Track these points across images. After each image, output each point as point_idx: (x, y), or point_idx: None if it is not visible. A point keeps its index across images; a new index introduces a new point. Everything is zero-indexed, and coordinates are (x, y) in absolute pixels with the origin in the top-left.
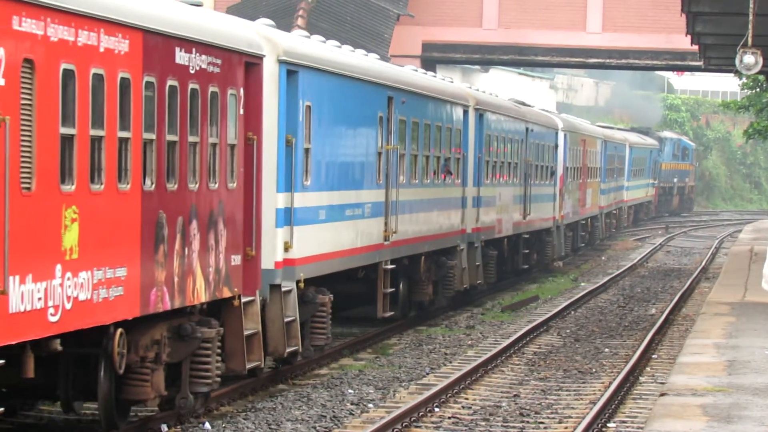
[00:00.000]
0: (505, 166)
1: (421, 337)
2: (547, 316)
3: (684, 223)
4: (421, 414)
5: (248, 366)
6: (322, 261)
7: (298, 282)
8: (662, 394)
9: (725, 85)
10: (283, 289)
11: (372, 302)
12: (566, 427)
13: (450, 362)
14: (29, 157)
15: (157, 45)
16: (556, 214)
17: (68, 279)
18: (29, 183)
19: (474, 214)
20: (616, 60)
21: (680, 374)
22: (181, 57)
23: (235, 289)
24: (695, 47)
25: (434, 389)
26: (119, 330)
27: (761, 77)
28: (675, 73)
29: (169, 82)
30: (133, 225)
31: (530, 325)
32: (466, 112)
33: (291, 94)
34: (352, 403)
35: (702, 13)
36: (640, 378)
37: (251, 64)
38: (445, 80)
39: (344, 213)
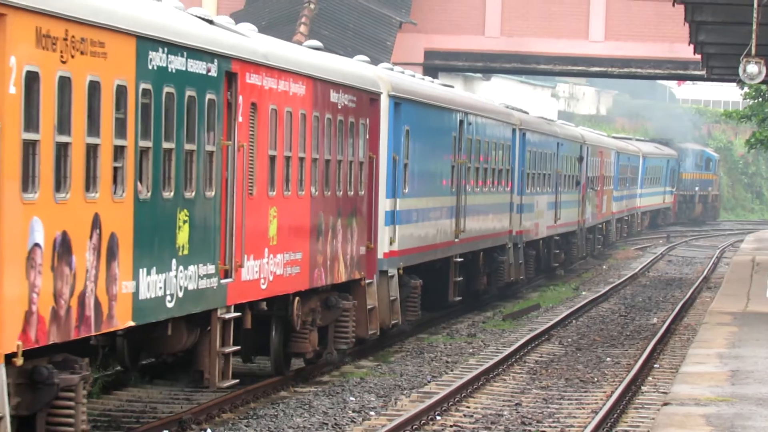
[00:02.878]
0: (541, 177)
1: (423, 345)
2: (549, 324)
3: (685, 232)
4: (422, 422)
5: (369, 332)
6: (413, 253)
7: (398, 269)
8: (665, 404)
9: (727, 94)
10: (389, 275)
11: (439, 290)
12: None
13: (451, 370)
14: (252, 171)
15: (320, 88)
16: (579, 219)
17: (271, 259)
18: (252, 189)
19: (518, 219)
20: (618, 69)
21: (683, 384)
22: (333, 96)
23: (362, 273)
24: (698, 56)
25: (436, 397)
26: (297, 298)
27: (764, 87)
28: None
29: (327, 116)
30: (305, 221)
31: (532, 334)
32: (514, 131)
33: (396, 121)
34: (353, 411)
35: (705, 23)
36: (642, 387)
37: (373, 99)
38: (497, 103)
39: (429, 215)
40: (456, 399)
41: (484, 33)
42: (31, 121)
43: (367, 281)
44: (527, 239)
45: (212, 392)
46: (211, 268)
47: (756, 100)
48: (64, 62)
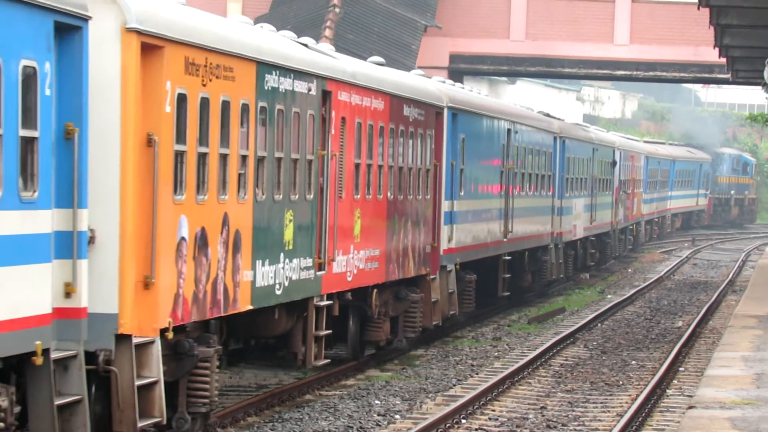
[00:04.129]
0: (579, 181)
1: (448, 348)
2: (574, 328)
3: (710, 235)
4: (448, 425)
5: (433, 322)
6: (468, 250)
7: (455, 265)
8: (690, 407)
9: (752, 97)
10: (447, 270)
11: (489, 285)
12: None
13: (477, 374)
14: (341, 177)
15: (395, 104)
16: (613, 220)
17: (355, 254)
18: (341, 193)
19: (558, 221)
20: (643, 72)
21: (708, 387)
22: (405, 110)
23: (428, 269)
24: (723, 60)
25: (461, 401)
26: (375, 290)
27: None
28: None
29: (401, 128)
30: (382, 221)
31: (557, 337)
32: (555, 139)
33: (454, 131)
34: (378, 414)
35: (730, 26)
36: (668, 391)
37: (438, 113)
38: (543, 114)
39: (481, 216)
40: (481, 402)
41: (509, 37)
42: (179, 135)
43: (431, 276)
44: (567, 240)
45: (237, 395)
46: (309, 262)
47: None
48: (204, 85)
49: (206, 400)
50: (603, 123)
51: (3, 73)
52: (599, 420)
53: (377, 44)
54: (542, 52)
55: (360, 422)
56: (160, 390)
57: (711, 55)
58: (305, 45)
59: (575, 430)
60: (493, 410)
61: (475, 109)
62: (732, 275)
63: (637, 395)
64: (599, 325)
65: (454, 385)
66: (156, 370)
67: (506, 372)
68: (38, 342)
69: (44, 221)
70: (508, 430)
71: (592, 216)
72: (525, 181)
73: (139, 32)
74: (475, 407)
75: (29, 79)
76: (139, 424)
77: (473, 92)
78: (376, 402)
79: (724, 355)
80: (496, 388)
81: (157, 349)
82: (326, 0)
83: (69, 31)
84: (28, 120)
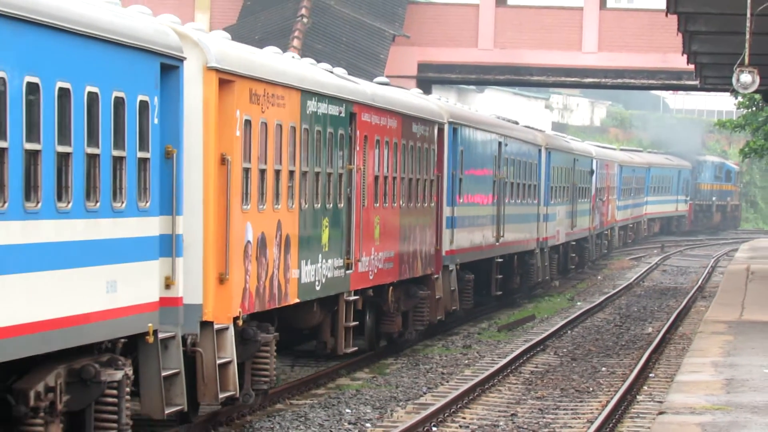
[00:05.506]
0: (561, 189)
1: (418, 356)
2: (544, 335)
3: (680, 242)
4: None
5: (437, 317)
6: (466, 252)
7: (456, 265)
8: (660, 413)
9: (721, 104)
10: (449, 269)
11: (482, 286)
12: None
13: (447, 382)
14: (363, 187)
15: (406, 122)
16: (591, 226)
17: (376, 255)
18: (364, 202)
19: (544, 227)
20: (611, 79)
21: (678, 393)
22: (414, 128)
23: (432, 269)
24: (691, 66)
25: (431, 408)
26: (390, 288)
27: (757, 96)
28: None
29: (410, 143)
30: (396, 227)
31: (527, 345)
32: (540, 151)
33: (454, 144)
34: (349, 423)
35: (698, 33)
36: (638, 397)
37: (440, 129)
38: (528, 128)
39: (477, 221)
40: (452, 410)
41: (477, 45)
42: (245, 155)
43: (435, 276)
44: (551, 244)
45: (207, 405)
46: (340, 262)
47: (749, 110)
48: (263, 112)
49: (267, 379)
50: (572, 131)
51: (126, 106)
52: (570, 427)
53: (345, 54)
54: (510, 61)
55: (330, 431)
56: (234, 369)
57: (679, 61)
58: (331, 71)
59: None
60: (464, 418)
61: (472, 124)
62: (701, 281)
63: (608, 401)
64: (569, 332)
65: (425, 393)
66: (230, 351)
67: (476, 379)
68: (150, 324)
69: (154, 226)
70: None
71: (572, 222)
72: (514, 189)
73: (217, 70)
74: (446, 415)
75: (143, 110)
76: (220, 396)
77: (467, 108)
78: (347, 410)
79: (694, 361)
80: (467, 396)
81: (231, 334)
82: (294, 10)
83: (169, 69)
84: (143, 144)
